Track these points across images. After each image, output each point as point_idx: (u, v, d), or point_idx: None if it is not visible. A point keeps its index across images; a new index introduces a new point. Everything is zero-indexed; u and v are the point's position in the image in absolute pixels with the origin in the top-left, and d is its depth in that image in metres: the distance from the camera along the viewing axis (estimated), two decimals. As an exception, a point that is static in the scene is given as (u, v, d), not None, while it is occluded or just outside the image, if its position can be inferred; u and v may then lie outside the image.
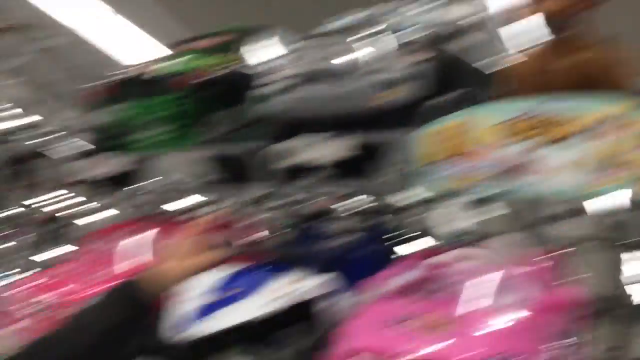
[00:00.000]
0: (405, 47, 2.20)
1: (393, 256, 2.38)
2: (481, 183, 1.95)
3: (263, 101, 2.14)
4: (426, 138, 1.98)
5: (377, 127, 2.28)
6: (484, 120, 1.94)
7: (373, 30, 2.28)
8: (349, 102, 2.15)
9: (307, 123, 2.31)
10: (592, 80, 2.01)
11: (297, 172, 2.51)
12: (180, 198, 2.27)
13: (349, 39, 2.22)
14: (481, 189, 1.96)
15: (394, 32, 2.17)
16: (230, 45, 2.15)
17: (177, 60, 2.05)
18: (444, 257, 2.10)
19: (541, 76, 2.09)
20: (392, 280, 2.02)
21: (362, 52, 2.29)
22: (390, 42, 2.30)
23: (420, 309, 1.73)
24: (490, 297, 1.88)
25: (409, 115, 2.25)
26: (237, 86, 2.15)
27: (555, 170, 1.93)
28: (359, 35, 2.25)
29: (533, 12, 1.98)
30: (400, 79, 2.11)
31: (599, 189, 1.91)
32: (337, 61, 2.21)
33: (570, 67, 2.01)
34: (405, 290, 1.95)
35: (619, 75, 2.00)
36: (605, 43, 2.02)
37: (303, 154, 2.09)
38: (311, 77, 2.20)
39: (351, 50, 2.21)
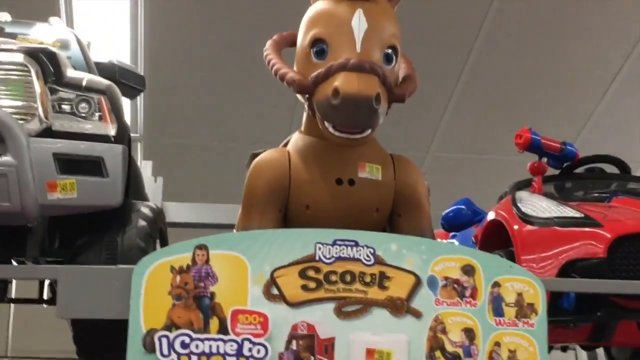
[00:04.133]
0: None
1: None
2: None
3: None
4: (150, 280, 2.04)
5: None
6: (238, 261, 2.09)
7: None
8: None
9: None
10: (394, 212, 2.51)
11: None
12: None
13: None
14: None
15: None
16: None
17: None
18: None
19: (328, 193, 2.44)
20: None
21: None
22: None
23: None
24: None
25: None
26: None
27: (359, 355, 2.03)
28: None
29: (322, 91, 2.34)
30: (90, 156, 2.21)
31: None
32: None
33: (367, 185, 2.46)
34: None
35: (422, 209, 2.54)
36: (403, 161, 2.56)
37: None
38: None
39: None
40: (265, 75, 2.52)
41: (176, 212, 3.98)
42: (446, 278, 2.18)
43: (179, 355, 2.04)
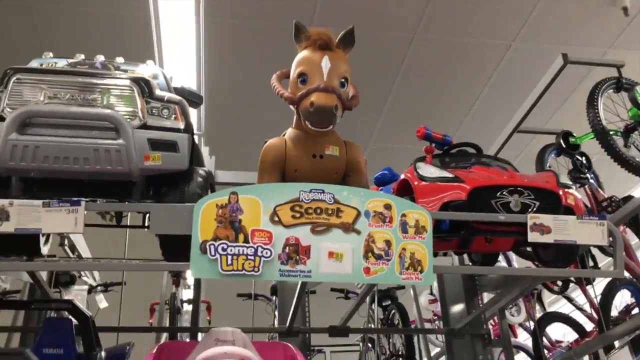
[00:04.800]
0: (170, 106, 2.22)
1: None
2: (258, 267, 2.01)
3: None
4: (204, 212, 2.02)
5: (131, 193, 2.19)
6: (254, 201, 2.08)
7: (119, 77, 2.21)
8: (109, 160, 2.04)
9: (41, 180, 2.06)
10: (343, 174, 2.44)
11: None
12: None
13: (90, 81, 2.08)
14: (259, 273, 2.01)
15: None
16: None
17: None
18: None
19: (307, 163, 2.39)
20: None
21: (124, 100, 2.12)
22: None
23: None
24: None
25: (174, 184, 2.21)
26: None
27: (324, 255, 2.06)
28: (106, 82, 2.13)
29: (303, 103, 2.31)
30: (172, 140, 2.17)
31: (372, 276, 2.11)
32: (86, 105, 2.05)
33: (330, 159, 2.41)
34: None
35: (362, 173, 2.47)
36: (351, 145, 2.49)
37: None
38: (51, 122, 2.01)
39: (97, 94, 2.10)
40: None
41: (223, 176, 3.95)
42: (375, 211, 2.18)
43: (220, 255, 2.04)
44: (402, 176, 2.72)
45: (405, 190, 2.62)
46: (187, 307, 5.57)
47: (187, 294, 5.74)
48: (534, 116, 3.94)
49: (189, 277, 5.49)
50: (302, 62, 2.40)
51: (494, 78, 5.89)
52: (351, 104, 2.42)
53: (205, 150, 3.61)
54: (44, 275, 3.47)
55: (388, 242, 2.16)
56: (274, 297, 5.70)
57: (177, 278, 5.23)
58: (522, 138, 4.33)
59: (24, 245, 2.72)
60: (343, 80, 2.38)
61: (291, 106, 2.43)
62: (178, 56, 5.33)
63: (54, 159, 2.08)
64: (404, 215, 2.19)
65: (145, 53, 5.02)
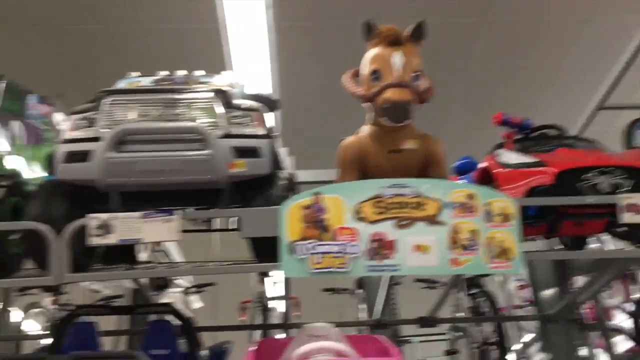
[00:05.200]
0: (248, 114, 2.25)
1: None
2: (346, 263, 2.01)
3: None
4: (290, 214, 2.04)
5: (219, 201, 2.21)
6: (338, 200, 2.08)
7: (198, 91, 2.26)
8: (198, 170, 2.11)
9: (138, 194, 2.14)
10: (422, 167, 2.40)
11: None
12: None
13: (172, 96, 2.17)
14: (347, 269, 2.01)
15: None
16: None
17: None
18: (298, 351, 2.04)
19: (386, 158, 2.37)
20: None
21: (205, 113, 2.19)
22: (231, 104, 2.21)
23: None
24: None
25: (258, 189, 2.24)
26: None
27: (410, 248, 2.04)
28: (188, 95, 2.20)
29: (378, 100, 2.30)
30: (255, 148, 2.21)
31: (459, 266, 2.07)
32: (173, 121, 2.14)
33: (409, 153, 2.38)
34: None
35: (442, 165, 2.42)
36: (429, 137, 2.46)
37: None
38: (140, 138, 2.11)
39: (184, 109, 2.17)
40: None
41: (303, 175, 4.01)
42: (457, 202, 2.15)
43: (308, 255, 2.07)
44: (482, 164, 2.67)
45: (486, 179, 2.58)
46: (272, 304, 5.71)
47: (271, 291, 5.88)
48: (617, 91, 3.77)
49: (274, 275, 5.61)
50: (375, 59, 2.40)
51: (571, 55, 5.67)
52: (426, 96, 2.40)
53: (284, 152, 3.67)
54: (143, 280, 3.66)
55: (474, 232, 2.13)
56: (359, 290, 5.74)
57: (263, 276, 5.37)
58: (606, 115, 4.14)
59: (123, 253, 2.88)
60: (416, 74, 2.37)
61: (365, 103, 2.44)
62: (251, 62, 5.45)
63: (148, 173, 2.19)
64: (488, 204, 2.15)
65: (218, 62, 5.18)
